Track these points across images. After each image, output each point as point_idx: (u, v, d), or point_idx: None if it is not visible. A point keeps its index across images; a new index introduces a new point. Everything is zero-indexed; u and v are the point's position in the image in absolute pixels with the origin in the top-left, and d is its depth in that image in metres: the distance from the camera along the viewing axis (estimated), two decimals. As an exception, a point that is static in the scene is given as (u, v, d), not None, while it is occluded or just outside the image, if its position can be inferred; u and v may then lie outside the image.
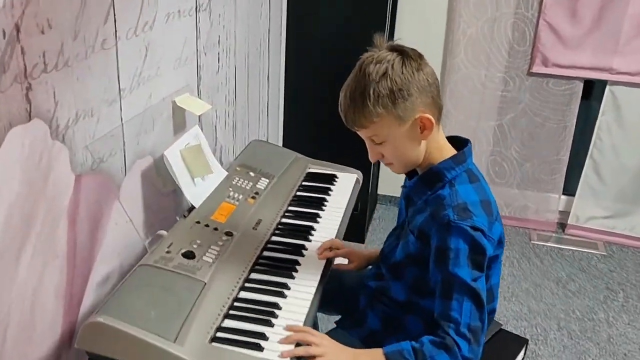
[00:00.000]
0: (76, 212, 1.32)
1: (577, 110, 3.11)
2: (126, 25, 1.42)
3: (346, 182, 1.98)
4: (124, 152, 1.49)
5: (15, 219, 1.12)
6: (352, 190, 1.94)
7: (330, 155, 2.92)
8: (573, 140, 3.18)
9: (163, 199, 1.71)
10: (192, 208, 1.62)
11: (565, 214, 3.36)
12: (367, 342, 1.44)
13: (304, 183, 1.93)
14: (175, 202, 1.75)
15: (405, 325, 1.43)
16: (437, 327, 1.25)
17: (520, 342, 1.68)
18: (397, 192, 3.55)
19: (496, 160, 3.31)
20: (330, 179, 1.98)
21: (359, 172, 2.07)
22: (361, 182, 2.05)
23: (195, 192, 1.65)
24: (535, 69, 3.06)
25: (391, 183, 3.42)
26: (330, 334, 1.39)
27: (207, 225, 1.56)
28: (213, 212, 1.62)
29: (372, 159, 1.38)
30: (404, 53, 1.28)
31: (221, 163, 2.13)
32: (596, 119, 3.14)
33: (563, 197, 3.35)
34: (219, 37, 2.01)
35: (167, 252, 1.41)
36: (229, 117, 2.22)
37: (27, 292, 1.20)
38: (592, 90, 3.27)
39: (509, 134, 3.25)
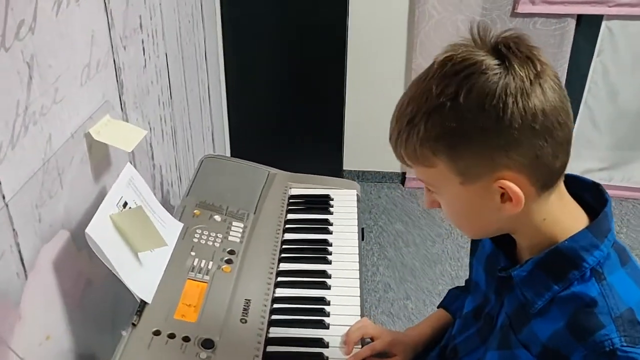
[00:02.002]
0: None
1: (569, 53, 2.66)
2: (-16, 36, 0.79)
3: (345, 204, 1.44)
4: (18, 247, 0.89)
5: None
6: (358, 217, 1.40)
7: (289, 138, 2.43)
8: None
9: (96, 291, 1.12)
10: (143, 304, 1.05)
11: (557, 170, 2.97)
12: None
13: (290, 217, 1.38)
14: (114, 289, 1.17)
15: None
16: None
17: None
18: (365, 166, 3.09)
19: (477, 119, 2.83)
20: (324, 203, 1.43)
21: (357, 184, 1.53)
22: (360, 196, 1.51)
23: (143, 277, 1.06)
24: (520, 9, 2.56)
25: (357, 157, 2.92)
26: None
27: (171, 336, 0.99)
28: (176, 305, 1.05)
29: (426, 205, 0.86)
30: (508, 60, 0.72)
31: (167, 203, 1.54)
32: (590, 61, 2.70)
33: (554, 151, 2.95)
34: (141, 17, 1.38)
35: (117, 413, 0.85)
36: (165, 124, 1.61)
37: None
38: (583, 29, 2.79)
39: (491, 86, 2.77)
